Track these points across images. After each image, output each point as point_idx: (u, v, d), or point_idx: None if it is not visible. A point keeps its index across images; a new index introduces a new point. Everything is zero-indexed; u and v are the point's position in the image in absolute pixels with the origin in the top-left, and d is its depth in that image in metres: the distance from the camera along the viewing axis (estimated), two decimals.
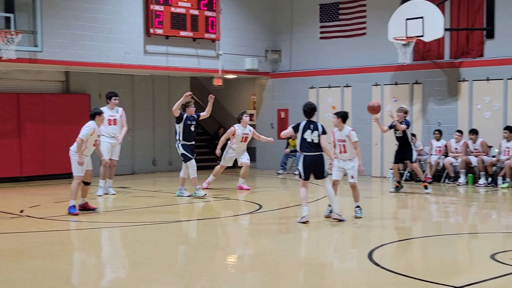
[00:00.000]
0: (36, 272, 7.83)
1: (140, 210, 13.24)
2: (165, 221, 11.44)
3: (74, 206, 11.89)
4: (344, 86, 19.39)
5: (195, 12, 18.84)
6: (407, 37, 16.63)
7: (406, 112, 15.27)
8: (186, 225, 11.40)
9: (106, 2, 17.47)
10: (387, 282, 7.36)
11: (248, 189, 15.45)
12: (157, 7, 18.08)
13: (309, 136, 10.78)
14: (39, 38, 15.85)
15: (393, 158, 15.50)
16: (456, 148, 16.85)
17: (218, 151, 15.33)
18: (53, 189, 15.86)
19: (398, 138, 15.20)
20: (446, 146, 17.10)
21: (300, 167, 10.90)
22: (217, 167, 15.68)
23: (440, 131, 17.21)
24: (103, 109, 14.20)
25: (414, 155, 15.16)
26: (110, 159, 14.31)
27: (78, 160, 11.74)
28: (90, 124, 12.07)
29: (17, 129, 17.34)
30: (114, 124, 14.55)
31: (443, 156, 17.05)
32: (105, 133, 14.29)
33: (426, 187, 15.09)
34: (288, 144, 19.66)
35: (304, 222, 10.85)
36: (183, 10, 18.60)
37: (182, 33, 18.67)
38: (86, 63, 17.18)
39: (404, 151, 15.16)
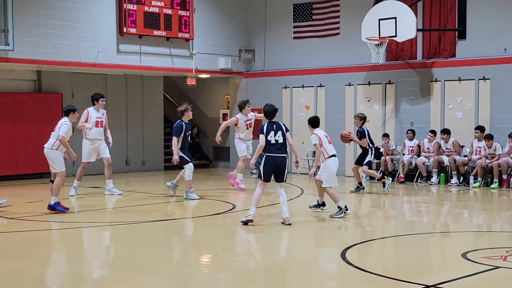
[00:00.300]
0: (7, 273, 7.74)
1: (113, 210, 13.18)
2: (137, 221, 11.38)
3: (58, 203, 11.89)
4: (318, 86, 19.46)
5: (169, 11, 18.78)
6: (380, 37, 16.73)
7: (362, 119, 15.13)
8: (158, 225, 11.34)
9: (78, 1, 17.35)
10: (360, 281, 7.40)
11: (243, 189, 15.18)
12: (130, 6, 17.99)
13: (273, 137, 10.65)
14: (10, 37, 15.67)
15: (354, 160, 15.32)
16: (428, 148, 17.00)
17: (218, 138, 15.16)
18: (25, 189, 15.71)
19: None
20: (419, 145, 17.24)
21: (262, 167, 10.68)
22: (240, 163, 15.48)
23: (413, 131, 17.34)
24: (89, 109, 14.16)
25: (368, 158, 14.96)
26: (103, 158, 14.40)
27: (60, 156, 11.86)
28: (66, 121, 12.00)
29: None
30: (101, 126, 14.43)
31: (415, 156, 17.18)
32: (91, 135, 14.19)
33: (384, 184, 15.07)
34: None
35: (246, 222, 10.67)
36: (156, 9, 18.52)
37: (156, 32, 18.59)
38: (58, 62, 17.04)
39: (361, 155, 15.17)
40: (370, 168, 15.47)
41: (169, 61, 19.31)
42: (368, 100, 18.45)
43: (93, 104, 14.48)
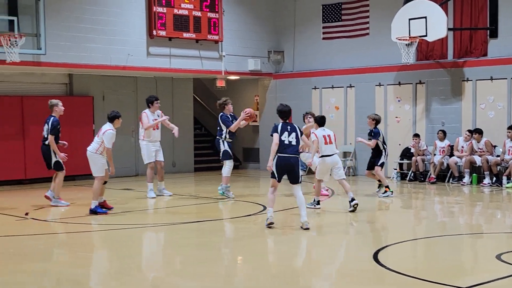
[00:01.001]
0: (39, 275, 7.83)
1: (144, 211, 13.25)
2: (168, 223, 11.44)
3: (98, 206, 12.15)
4: (347, 87, 19.37)
5: (198, 13, 18.84)
6: (410, 37, 16.61)
7: (375, 120, 14.61)
8: (189, 227, 11.38)
9: (108, 4, 17.47)
10: (393, 283, 7.34)
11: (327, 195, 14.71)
12: (159, 9, 18.09)
13: (287, 138, 10.45)
14: (42, 41, 15.85)
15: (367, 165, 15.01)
16: (463, 147, 16.79)
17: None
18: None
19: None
20: (450, 146, 17.06)
21: (274, 167, 10.46)
22: None
23: (443, 131, 17.17)
24: (147, 112, 14.42)
25: (381, 160, 14.56)
26: (157, 161, 14.70)
27: (102, 160, 12.18)
28: (110, 128, 12.15)
29: (21, 132, 17.36)
30: (157, 128, 14.71)
31: (447, 156, 17.01)
32: (149, 137, 14.53)
33: (385, 192, 14.51)
34: None
35: (269, 225, 10.53)
36: (185, 12, 18.60)
37: (185, 35, 18.67)
38: (89, 66, 17.18)
39: (373, 157, 14.73)
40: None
41: (198, 63, 19.38)
42: (399, 100, 18.32)
43: (148, 107, 14.72)
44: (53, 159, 13.17)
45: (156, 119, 14.71)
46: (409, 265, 8.35)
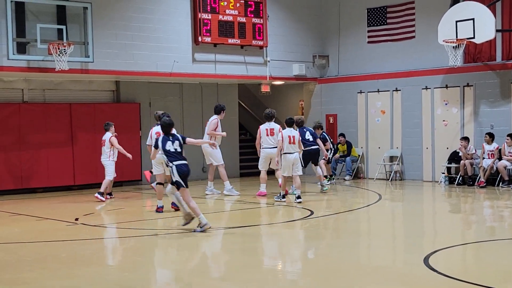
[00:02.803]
0: (91, 279, 7.94)
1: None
2: (217, 228, 11.49)
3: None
4: (393, 90, 19.21)
5: (243, 19, 18.92)
6: (457, 39, 16.40)
7: (319, 127, 17.82)
8: (237, 231, 11.41)
9: (154, 12, 17.66)
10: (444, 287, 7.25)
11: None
12: (205, 16, 18.21)
13: (171, 146, 10.67)
14: (90, 49, 16.10)
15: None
16: (510, 152, 16.50)
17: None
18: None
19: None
20: (499, 149, 16.77)
21: (177, 177, 10.68)
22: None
23: (490, 134, 16.86)
24: (217, 118, 15.82)
25: (320, 156, 16.85)
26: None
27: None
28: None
29: (70, 139, 17.65)
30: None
31: (497, 160, 16.71)
32: (219, 141, 15.64)
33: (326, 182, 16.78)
34: (337, 149, 19.54)
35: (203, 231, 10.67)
36: (230, 18, 18.69)
37: (230, 41, 18.75)
38: (136, 72, 17.39)
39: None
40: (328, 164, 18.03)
41: (243, 69, 19.45)
42: (446, 104, 18.09)
43: (218, 114, 15.78)
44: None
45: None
46: (460, 270, 8.23)
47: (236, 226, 11.91)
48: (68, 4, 15.94)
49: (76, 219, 12.37)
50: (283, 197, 14.49)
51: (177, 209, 12.78)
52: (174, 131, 11.61)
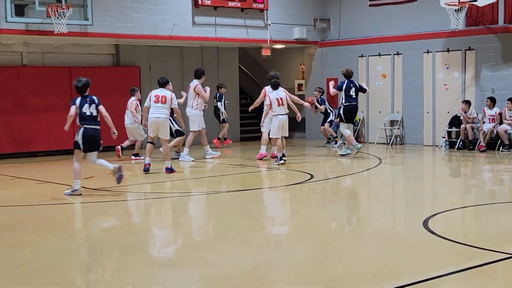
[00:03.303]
0: (92, 241, 7.97)
1: (190, 180, 13.36)
2: (214, 191, 11.51)
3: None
4: (395, 54, 19.09)
5: None
6: (459, 2, 16.24)
7: (321, 91, 18.69)
8: (236, 195, 11.45)
9: None
10: (444, 250, 7.27)
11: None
12: None
13: (88, 109, 10.98)
14: (89, 12, 15.97)
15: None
16: (510, 116, 16.45)
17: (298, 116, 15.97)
18: (107, 160, 16.00)
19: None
20: (500, 113, 16.71)
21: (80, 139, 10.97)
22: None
23: (491, 98, 16.79)
24: (198, 83, 15.65)
25: (329, 118, 18.46)
26: (203, 128, 16.09)
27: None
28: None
29: (70, 102, 17.53)
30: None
31: (498, 124, 16.65)
32: (201, 106, 15.73)
33: (336, 142, 18.03)
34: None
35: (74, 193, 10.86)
36: None
37: (230, 4, 18.59)
38: (135, 36, 17.27)
39: (324, 117, 18.61)
40: (330, 126, 18.52)
41: (244, 32, 19.31)
42: (447, 67, 17.99)
43: (199, 78, 15.77)
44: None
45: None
46: (458, 232, 8.26)
47: (235, 189, 11.93)
48: None
49: None
50: (282, 156, 14.49)
51: (169, 173, 12.95)
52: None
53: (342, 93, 15.85)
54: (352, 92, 15.77)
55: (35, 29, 15.64)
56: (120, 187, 11.81)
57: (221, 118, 18.73)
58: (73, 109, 10.90)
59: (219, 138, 18.73)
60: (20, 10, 15.28)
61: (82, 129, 10.84)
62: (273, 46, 20.78)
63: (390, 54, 19.19)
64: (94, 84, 17.37)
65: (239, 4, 18.74)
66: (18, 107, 16.90)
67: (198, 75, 15.78)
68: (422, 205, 10.42)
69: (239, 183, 12.89)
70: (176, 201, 10.98)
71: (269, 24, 19.61)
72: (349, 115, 15.78)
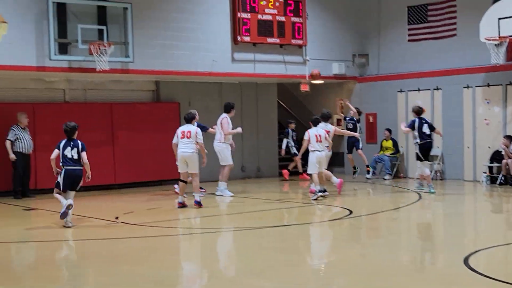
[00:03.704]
0: (131, 277, 8.02)
1: (231, 215, 13.37)
2: (255, 227, 11.49)
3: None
4: (434, 89, 18.98)
5: (282, 18, 18.88)
6: (499, 37, 16.14)
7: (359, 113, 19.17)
8: (276, 230, 11.41)
9: (194, 12, 17.73)
10: None
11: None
12: (244, 15, 18.23)
13: (69, 152, 11.59)
14: (130, 49, 16.23)
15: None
16: None
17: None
18: (146, 196, 16.18)
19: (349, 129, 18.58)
20: None
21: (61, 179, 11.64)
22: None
23: None
24: (227, 117, 15.76)
25: (360, 144, 18.48)
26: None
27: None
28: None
29: (111, 138, 17.84)
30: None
31: None
32: (229, 140, 15.75)
33: (368, 172, 18.53)
34: (381, 147, 19.38)
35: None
36: (269, 17, 18.67)
37: (269, 40, 18.73)
38: (175, 72, 17.47)
39: (352, 142, 18.68)
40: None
41: (282, 68, 19.42)
42: (488, 102, 17.81)
43: (228, 112, 15.87)
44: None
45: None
46: (500, 270, 8.10)
47: (275, 225, 11.90)
48: (109, 5, 16.10)
49: (116, 218, 12.51)
50: (324, 191, 14.71)
51: (199, 206, 13.25)
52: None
53: (416, 132, 15.30)
54: (425, 129, 15.28)
55: (78, 66, 15.95)
56: (156, 222, 11.88)
57: (292, 152, 19.41)
58: (54, 153, 11.64)
59: (288, 170, 19.38)
60: (63, 48, 15.62)
61: (63, 170, 11.56)
62: (312, 82, 20.83)
63: (429, 89, 19.08)
64: (135, 119, 17.80)
65: (278, 40, 18.88)
66: None
67: (228, 109, 15.92)
68: (462, 241, 10.24)
69: (276, 218, 12.85)
70: (215, 236, 10.98)
71: (308, 60, 19.69)
72: (426, 152, 15.39)
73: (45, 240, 10.52)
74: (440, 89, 18.83)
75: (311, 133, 14.69)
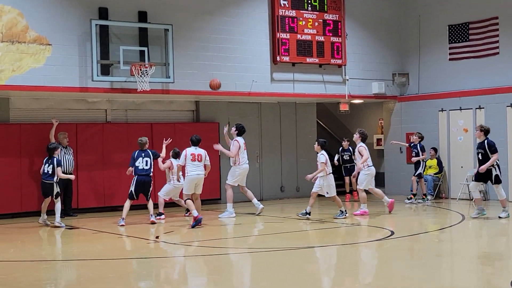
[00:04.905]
0: None
1: (269, 235, 13.31)
2: (294, 247, 11.42)
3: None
4: (477, 108, 18.73)
5: (321, 38, 18.89)
6: None
7: (421, 138, 18.55)
8: (316, 251, 11.32)
9: (233, 32, 17.84)
10: None
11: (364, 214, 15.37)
12: (283, 35, 18.28)
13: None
14: (171, 70, 16.38)
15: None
16: None
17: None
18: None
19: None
20: None
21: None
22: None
23: None
24: (239, 140, 15.60)
25: (419, 170, 18.32)
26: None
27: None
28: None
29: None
30: None
31: None
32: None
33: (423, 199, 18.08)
34: (424, 166, 19.09)
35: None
36: (308, 37, 18.69)
37: (308, 60, 18.74)
38: (215, 92, 17.52)
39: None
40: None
41: (322, 88, 19.38)
42: None
43: (240, 135, 15.77)
44: None
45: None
46: None
47: (315, 245, 11.80)
48: (150, 27, 16.31)
49: (157, 237, 12.54)
50: (346, 212, 14.90)
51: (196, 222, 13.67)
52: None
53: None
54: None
55: (119, 87, 16.14)
56: (196, 241, 11.89)
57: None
58: (41, 169, 14.34)
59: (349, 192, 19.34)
60: (105, 69, 15.85)
61: (41, 182, 14.35)
62: (352, 101, 20.75)
63: (471, 108, 18.84)
64: (175, 139, 17.84)
65: (317, 60, 18.87)
66: (102, 162, 17.36)
67: (240, 132, 15.83)
68: (508, 263, 10.02)
69: (317, 239, 12.76)
70: (251, 257, 10.93)
71: (347, 79, 19.63)
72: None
73: (88, 259, 10.58)
74: (483, 108, 18.58)
75: (327, 156, 14.84)
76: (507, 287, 7.87)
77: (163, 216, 15.36)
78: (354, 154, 17.37)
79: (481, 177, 14.44)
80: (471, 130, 18.68)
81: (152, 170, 14.74)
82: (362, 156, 15.45)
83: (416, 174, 18.33)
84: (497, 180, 14.35)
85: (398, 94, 20.82)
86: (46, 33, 15.29)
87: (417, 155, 18.46)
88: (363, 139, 15.72)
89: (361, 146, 15.59)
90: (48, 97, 16.83)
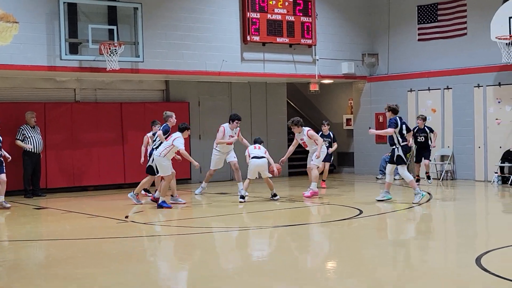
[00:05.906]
0: (142, 275, 8.03)
1: (238, 215, 13.36)
2: (263, 226, 11.48)
3: (165, 202, 13.62)
4: (445, 88, 18.92)
5: (291, 18, 18.87)
6: (510, 36, 16.08)
7: (424, 119, 17.44)
8: (284, 230, 11.40)
9: (203, 12, 17.76)
10: None
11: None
12: (253, 15, 18.23)
13: None
14: (140, 49, 16.27)
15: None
16: None
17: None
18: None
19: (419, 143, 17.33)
20: None
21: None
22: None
23: None
24: (225, 126, 15.30)
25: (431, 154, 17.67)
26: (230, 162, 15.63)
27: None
28: (179, 136, 13.55)
29: (121, 137, 17.88)
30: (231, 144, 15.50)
31: None
32: (222, 148, 15.42)
33: (428, 177, 17.37)
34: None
35: None
36: (279, 17, 18.67)
37: (279, 39, 18.73)
38: (185, 72, 17.51)
39: (423, 152, 17.37)
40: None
41: (292, 68, 19.41)
42: (499, 102, 17.74)
43: (229, 123, 15.27)
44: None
45: (232, 136, 15.32)
46: None
47: (284, 224, 11.88)
48: (119, 5, 16.15)
49: (126, 217, 12.53)
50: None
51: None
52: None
53: (398, 132, 13.76)
54: (404, 130, 13.87)
55: (88, 66, 16.00)
56: (166, 221, 11.89)
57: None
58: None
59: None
60: (74, 48, 15.68)
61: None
62: (321, 81, 20.82)
63: (440, 89, 19.03)
64: (144, 119, 17.78)
65: (287, 40, 18.87)
66: (71, 142, 17.23)
67: (229, 119, 15.39)
68: (474, 242, 10.20)
69: (286, 218, 12.84)
70: (220, 235, 10.98)
71: (317, 60, 19.67)
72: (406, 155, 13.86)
73: (55, 239, 10.54)
74: (451, 88, 18.78)
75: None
76: (473, 264, 8.01)
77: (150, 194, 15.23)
78: (332, 140, 17.29)
79: (392, 160, 13.83)
80: (440, 110, 18.89)
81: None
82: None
83: (429, 158, 17.38)
84: (399, 161, 13.70)
85: (367, 74, 20.93)
86: (12, 11, 15.06)
87: (426, 139, 17.16)
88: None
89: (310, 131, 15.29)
90: (15, 76, 16.62)
